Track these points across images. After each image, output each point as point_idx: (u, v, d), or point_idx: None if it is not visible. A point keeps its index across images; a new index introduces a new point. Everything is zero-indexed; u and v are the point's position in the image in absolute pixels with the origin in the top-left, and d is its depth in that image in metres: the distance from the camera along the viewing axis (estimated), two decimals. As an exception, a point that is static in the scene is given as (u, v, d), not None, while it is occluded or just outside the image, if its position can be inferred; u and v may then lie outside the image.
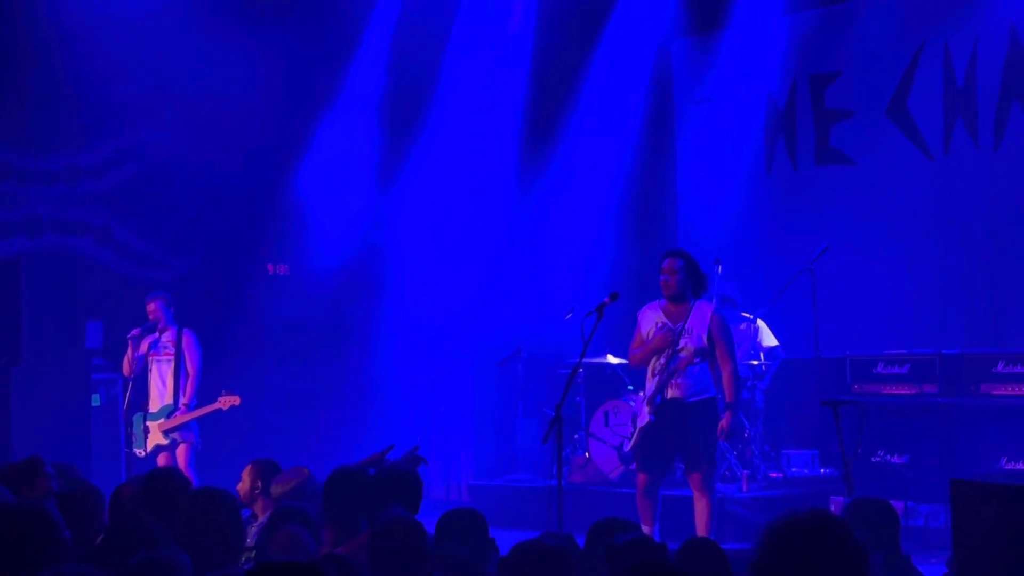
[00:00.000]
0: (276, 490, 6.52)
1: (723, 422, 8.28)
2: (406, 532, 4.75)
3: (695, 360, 8.34)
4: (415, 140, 13.44)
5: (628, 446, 8.87)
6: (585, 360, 8.42)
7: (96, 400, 11.96)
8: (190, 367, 10.89)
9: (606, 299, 8.15)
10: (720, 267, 10.78)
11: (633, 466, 9.42)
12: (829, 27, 11.79)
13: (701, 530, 8.26)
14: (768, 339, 11.13)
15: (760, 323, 11.12)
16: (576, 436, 11.40)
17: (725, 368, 8.37)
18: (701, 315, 8.42)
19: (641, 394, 8.69)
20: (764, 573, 3.00)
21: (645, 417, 8.46)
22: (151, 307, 10.90)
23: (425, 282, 13.40)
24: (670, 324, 8.43)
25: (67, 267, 12.73)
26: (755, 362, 10.83)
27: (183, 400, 10.83)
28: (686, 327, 8.38)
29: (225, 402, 10.63)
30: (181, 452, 10.77)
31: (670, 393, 8.38)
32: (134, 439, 10.77)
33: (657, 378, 8.43)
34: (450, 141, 13.35)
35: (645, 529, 8.00)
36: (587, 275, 12.39)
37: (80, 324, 12.46)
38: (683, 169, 13.00)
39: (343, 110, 13.50)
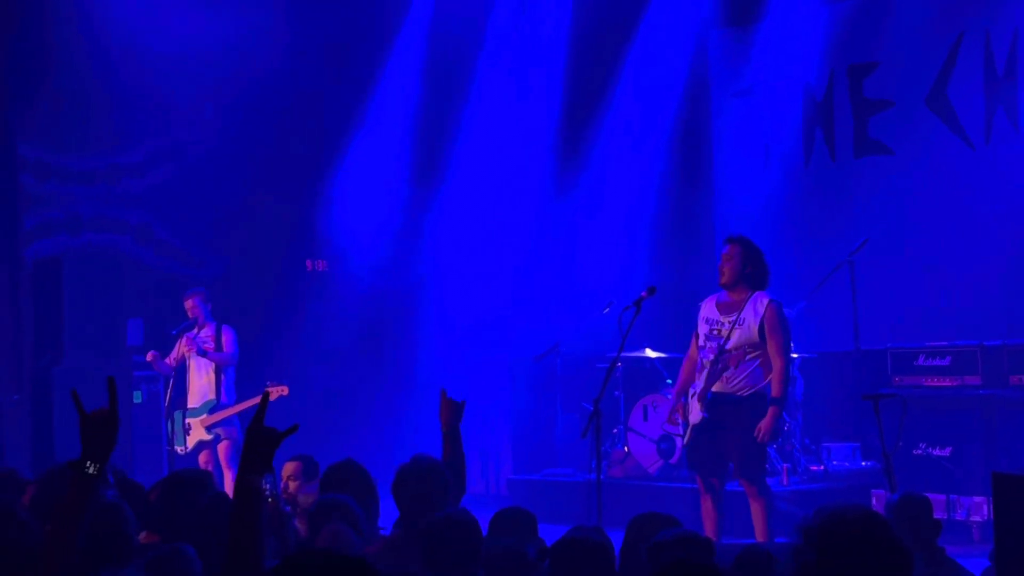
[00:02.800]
0: (292, 485, 6.55)
1: (764, 421, 7.90)
2: (461, 528, 4.74)
3: (746, 354, 8.00)
4: (452, 136, 13.46)
5: (684, 442, 8.51)
6: (623, 354, 8.39)
7: (138, 397, 12.04)
8: (224, 359, 10.89)
9: (644, 293, 8.10)
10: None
11: (673, 460, 9.39)
12: (867, 17, 11.70)
13: (760, 534, 8.02)
14: None
15: None
16: (615, 430, 11.38)
17: (776, 363, 7.98)
18: (756, 307, 8.06)
19: (689, 389, 8.41)
20: (811, 570, 2.98)
21: (697, 414, 8.17)
22: (189, 303, 10.96)
23: (463, 277, 13.42)
24: (719, 319, 8.13)
25: (108, 266, 12.82)
26: (794, 355, 10.76)
27: (222, 399, 10.88)
28: (739, 319, 8.05)
29: (273, 392, 10.61)
30: (223, 448, 10.81)
31: (718, 387, 8.08)
32: (175, 436, 10.82)
33: (707, 371, 8.14)
34: (487, 137, 13.35)
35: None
36: (624, 269, 12.35)
37: (121, 322, 12.55)
38: (720, 162, 12.94)
39: (381, 107, 13.53)
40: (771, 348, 8.02)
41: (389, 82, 13.50)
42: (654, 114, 12.92)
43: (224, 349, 10.92)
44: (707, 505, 8.21)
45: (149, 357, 10.94)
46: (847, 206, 11.73)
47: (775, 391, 7.99)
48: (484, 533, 4.99)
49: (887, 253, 11.06)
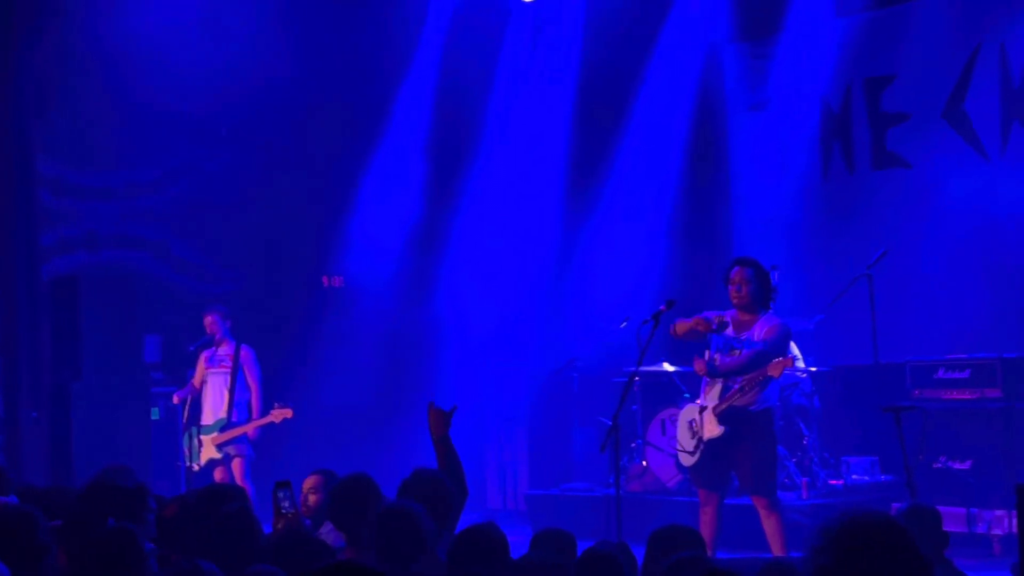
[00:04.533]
0: (312, 498, 6.57)
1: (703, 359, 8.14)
2: (489, 540, 4.74)
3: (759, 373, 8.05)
4: (469, 152, 13.47)
5: (691, 460, 8.46)
6: (641, 368, 8.37)
7: (155, 414, 12.07)
8: (251, 382, 11.00)
9: (662, 307, 8.11)
10: (777, 273, 10.70)
11: (686, 475, 9.32)
12: (882, 30, 11.70)
13: (776, 548, 8.02)
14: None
15: None
16: (633, 445, 11.35)
17: (752, 351, 8.04)
18: (765, 324, 8.17)
19: (699, 402, 8.52)
20: (825, 572, 2.96)
21: (716, 429, 8.20)
22: (208, 319, 11.00)
23: (480, 293, 13.42)
24: (734, 336, 8.21)
25: (125, 282, 12.85)
26: (801, 373, 10.72)
27: (253, 416, 10.93)
28: (751, 338, 8.17)
29: (278, 415, 10.69)
30: (236, 465, 10.84)
31: (729, 402, 8.17)
32: (188, 453, 10.84)
33: (720, 387, 8.22)
34: (503, 152, 13.37)
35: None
36: (642, 283, 12.33)
37: (138, 339, 12.56)
38: (737, 175, 12.93)
39: (397, 123, 13.55)
40: (763, 337, 8.10)
41: (406, 98, 13.51)
42: (671, 129, 12.91)
43: (246, 370, 10.98)
44: (707, 518, 8.24)
45: (176, 400, 11.02)
46: (865, 219, 11.70)
47: (729, 363, 8.11)
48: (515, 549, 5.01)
49: (905, 266, 11.04)
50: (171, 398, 11.72)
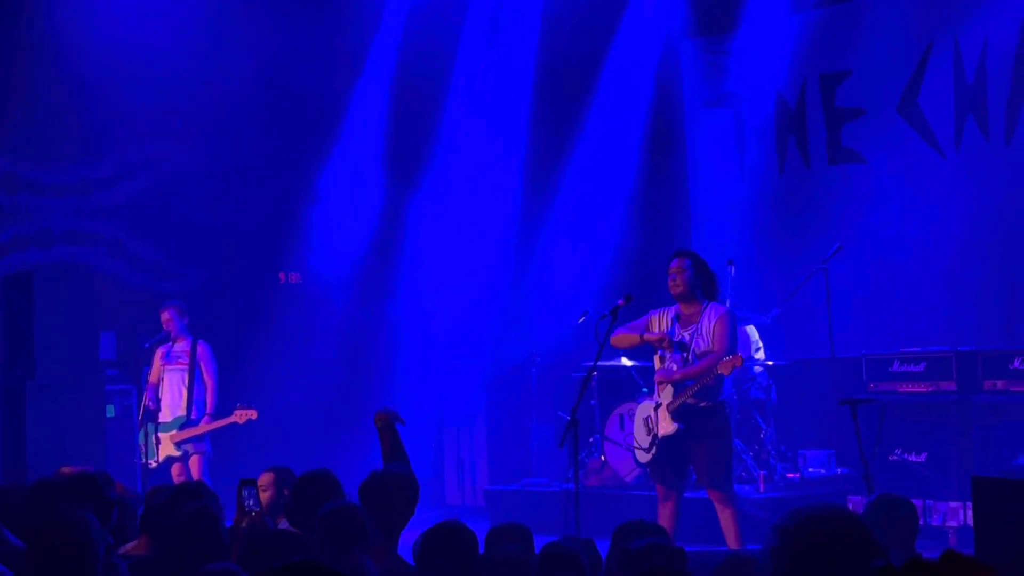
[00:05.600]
0: (264, 496, 6.53)
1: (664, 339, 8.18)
2: (456, 536, 4.74)
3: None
4: (427, 148, 13.45)
5: (647, 457, 8.53)
6: (600, 363, 8.39)
7: (111, 411, 11.96)
8: (208, 378, 10.92)
9: (620, 302, 8.13)
10: (734, 268, 10.76)
11: (645, 470, 9.35)
12: (838, 26, 11.76)
13: (732, 542, 8.12)
14: (756, 349, 11.05)
15: (750, 329, 11.05)
16: (591, 440, 11.37)
17: (709, 356, 8.11)
18: (711, 316, 8.24)
19: (655, 399, 8.56)
20: (787, 573, 2.97)
21: (670, 426, 8.28)
22: (165, 315, 10.92)
23: (437, 288, 13.40)
24: (682, 334, 8.31)
25: (79, 279, 12.73)
26: (759, 368, 10.79)
27: (208, 411, 10.86)
28: (697, 329, 8.24)
29: (241, 415, 10.62)
30: (194, 463, 10.78)
31: (682, 399, 8.24)
32: (145, 450, 10.76)
33: (673, 383, 8.30)
34: (461, 149, 13.35)
35: None
36: (600, 279, 12.36)
37: (93, 336, 12.46)
38: (694, 171, 12.97)
39: (353, 119, 13.51)
40: (714, 343, 8.18)
41: (363, 93, 13.48)
42: (628, 125, 12.93)
43: (203, 366, 10.90)
44: (666, 512, 8.29)
45: (147, 402, 10.88)
46: (821, 214, 11.77)
47: (690, 370, 8.16)
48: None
49: (861, 260, 11.12)
50: (127, 396, 11.64)
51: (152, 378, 10.97)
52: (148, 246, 13.25)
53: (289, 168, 13.45)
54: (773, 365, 10.89)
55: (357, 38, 13.36)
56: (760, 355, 11.02)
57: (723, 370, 8.04)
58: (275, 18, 12.97)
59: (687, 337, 8.29)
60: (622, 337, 8.50)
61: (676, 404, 8.26)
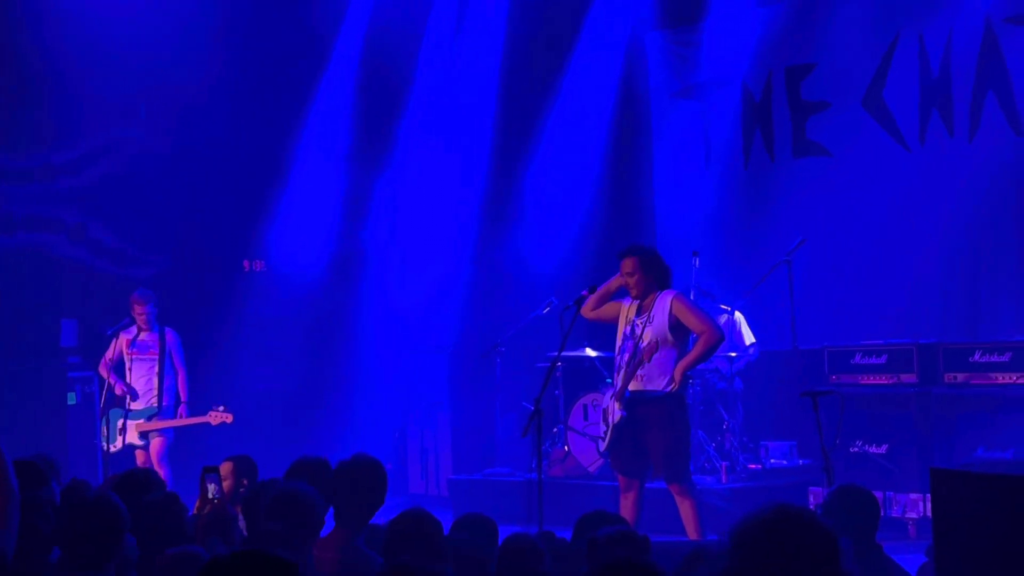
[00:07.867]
0: (226, 484, 6.48)
1: (676, 370, 8.11)
2: (421, 524, 4.74)
3: (658, 347, 8.14)
4: (392, 137, 13.41)
5: (603, 446, 8.62)
6: (564, 354, 8.40)
7: (72, 399, 11.90)
8: (178, 366, 10.91)
9: (584, 292, 8.16)
10: (698, 259, 10.78)
11: (607, 460, 9.38)
12: (803, 19, 11.78)
13: (692, 532, 8.12)
14: (746, 335, 11.13)
15: (738, 316, 11.12)
16: (555, 430, 11.38)
17: (702, 336, 8.14)
18: (663, 304, 8.24)
19: (611, 390, 8.59)
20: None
21: (616, 413, 8.30)
22: (141, 308, 10.81)
23: (402, 277, 13.38)
24: (635, 321, 8.29)
25: (41, 265, 12.66)
26: (733, 354, 10.83)
27: (183, 400, 10.83)
28: (650, 317, 8.22)
29: (216, 417, 10.55)
30: (155, 446, 10.74)
31: (634, 386, 8.23)
32: (107, 435, 10.69)
33: (624, 371, 8.28)
34: (426, 139, 13.33)
35: None
36: (565, 269, 12.36)
37: (55, 323, 12.39)
38: (660, 162, 12.98)
39: (319, 107, 13.46)
40: (693, 325, 8.19)
41: (329, 81, 13.42)
42: (594, 117, 12.93)
43: (173, 355, 10.86)
44: (627, 503, 8.30)
45: (119, 391, 10.74)
46: (785, 206, 11.81)
47: (693, 354, 8.18)
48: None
49: (824, 253, 11.17)
50: (88, 383, 11.57)
51: (108, 358, 10.81)
52: (111, 233, 13.17)
53: (254, 155, 13.39)
54: (736, 356, 10.93)
55: (323, 24, 13.30)
56: (750, 339, 11.07)
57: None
58: (240, 3, 12.90)
59: (639, 327, 8.29)
60: (588, 306, 8.47)
61: (620, 390, 8.28)
